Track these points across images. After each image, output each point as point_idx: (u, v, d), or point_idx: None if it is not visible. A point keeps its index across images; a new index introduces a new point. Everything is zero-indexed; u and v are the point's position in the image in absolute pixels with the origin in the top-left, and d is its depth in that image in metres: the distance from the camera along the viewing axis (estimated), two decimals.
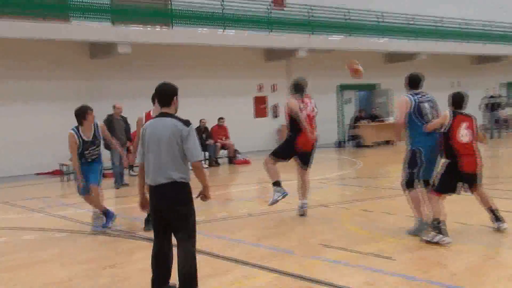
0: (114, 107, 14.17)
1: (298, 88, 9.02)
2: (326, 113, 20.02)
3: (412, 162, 7.20)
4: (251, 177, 15.27)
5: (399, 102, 7.45)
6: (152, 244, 5.26)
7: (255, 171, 16.16)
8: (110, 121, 13.62)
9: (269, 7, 21.10)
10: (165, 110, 5.15)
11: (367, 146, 21.35)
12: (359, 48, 23.00)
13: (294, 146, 8.83)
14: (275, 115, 22.36)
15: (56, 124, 16.15)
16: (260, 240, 7.41)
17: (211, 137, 17.75)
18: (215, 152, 17.79)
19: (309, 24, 21.75)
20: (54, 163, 16.02)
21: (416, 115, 7.20)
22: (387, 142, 22.39)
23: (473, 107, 25.40)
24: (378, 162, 17.24)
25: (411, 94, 7.32)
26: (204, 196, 5.18)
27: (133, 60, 18.04)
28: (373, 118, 22.59)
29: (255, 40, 20.32)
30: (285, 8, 22.01)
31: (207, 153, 17.43)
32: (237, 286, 5.56)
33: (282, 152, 9.08)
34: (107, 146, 13.81)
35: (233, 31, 19.72)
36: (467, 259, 6.14)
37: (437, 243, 6.62)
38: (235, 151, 18.19)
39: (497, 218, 7.25)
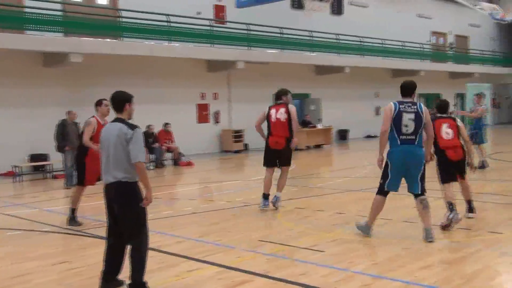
0: (68, 112, 13.73)
1: (276, 97, 9.37)
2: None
3: (383, 173, 6.75)
4: (194, 178, 15.09)
5: (385, 108, 6.82)
6: (104, 241, 5.08)
7: (198, 172, 16.02)
8: (64, 126, 13.28)
9: (210, 22, 21.06)
10: (118, 115, 5.11)
11: (300, 149, 21.53)
12: (292, 61, 23.25)
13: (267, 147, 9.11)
14: (217, 121, 22.27)
15: (10, 128, 15.61)
16: (203, 236, 7.29)
17: (157, 141, 17.47)
18: (161, 154, 17.53)
19: (247, 39, 21.79)
20: (7, 165, 15.37)
21: (396, 124, 6.55)
22: (318, 146, 22.71)
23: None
24: (309, 164, 17.38)
25: (398, 102, 6.69)
26: (145, 198, 4.98)
27: (84, 69, 17.57)
28: (306, 124, 22.82)
29: (198, 53, 20.16)
30: (225, 24, 22.01)
31: (153, 156, 17.20)
32: (181, 279, 5.44)
33: (267, 159, 9.17)
34: (60, 149, 13.42)
35: (178, 43, 19.51)
36: (389, 250, 6.22)
37: (452, 220, 6.96)
38: (180, 154, 17.97)
39: (470, 209, 7.75)
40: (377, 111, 29.50)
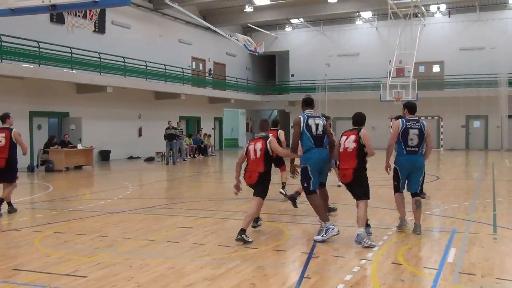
0: None
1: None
2: None
3: (395, 177, 8.34)
4: None
5: (394, 124, 8.42)
6: None
7: None
8: None
9: None
10: None
11: (59, 171, 20.51)
12: (51, 77, 22.15)
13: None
14: None
15: None
16: None
17: None
18: None
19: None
20: None
21: (403, 138, 8.11)
22: (78, 167, 21.89)
23: (159, 136, 26.63)
24: (69, 186, 16.62)
25: (405, 119, 8.23)
26: None
27: None
28: (65, 144, 21.77)
29: None
30: None
31: None
32: None
33: None
34: None
35: None
36: (153, 270, 6.30)
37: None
38: None
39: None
40: (140, 132, 29.66)
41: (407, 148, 8.16)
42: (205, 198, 13.09)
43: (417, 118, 8.38)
